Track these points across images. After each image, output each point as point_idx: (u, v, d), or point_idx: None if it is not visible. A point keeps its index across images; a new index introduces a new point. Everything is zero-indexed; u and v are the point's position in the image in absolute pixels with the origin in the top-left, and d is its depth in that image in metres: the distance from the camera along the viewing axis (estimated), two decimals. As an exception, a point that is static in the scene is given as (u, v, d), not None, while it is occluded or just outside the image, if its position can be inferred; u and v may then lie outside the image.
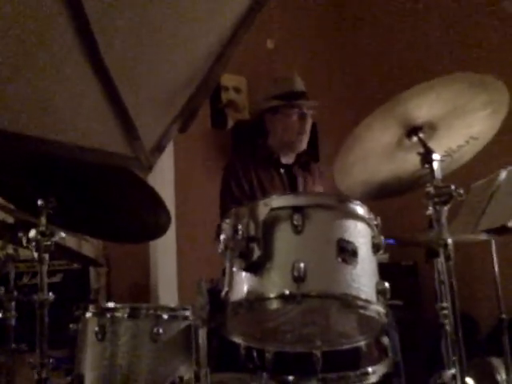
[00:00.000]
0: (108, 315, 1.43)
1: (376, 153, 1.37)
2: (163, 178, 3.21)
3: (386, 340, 1.46)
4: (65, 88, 0.55)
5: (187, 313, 1.42)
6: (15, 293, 1.75)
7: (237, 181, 2.03)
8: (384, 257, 1.25)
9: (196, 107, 0.60)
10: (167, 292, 2.91)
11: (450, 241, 1.16)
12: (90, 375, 1.41)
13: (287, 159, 2.16)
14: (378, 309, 1.12)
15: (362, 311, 1.10)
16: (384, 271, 1.20)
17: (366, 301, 1.10)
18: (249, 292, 1.09)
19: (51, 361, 1.29)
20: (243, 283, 1.10)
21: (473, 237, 1.98)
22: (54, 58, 0.53)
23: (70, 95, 0.56)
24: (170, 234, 2.84)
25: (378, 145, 1.36)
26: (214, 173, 3.03)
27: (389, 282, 1.16)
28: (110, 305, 1.52)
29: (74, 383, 1.44)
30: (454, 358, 1.17)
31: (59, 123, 0.57)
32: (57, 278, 2.51)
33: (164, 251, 3.13)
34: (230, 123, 3.40)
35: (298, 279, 1.06)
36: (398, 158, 1.37)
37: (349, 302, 1.08)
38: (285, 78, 2.28)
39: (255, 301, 1.08)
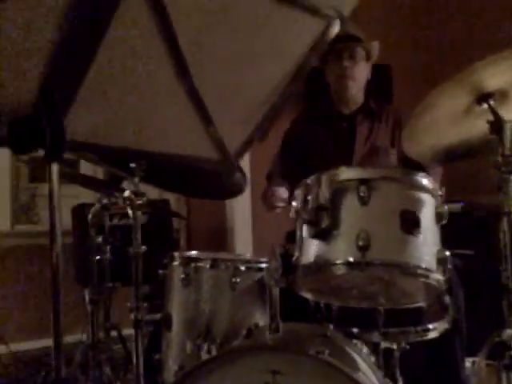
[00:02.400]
0: (192, 265, 1.64)
1: (445, 119, 1.42)
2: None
3: (447, 298, 1.58)
4: (165, 109, 0.70)
5: (262, 265, 1.60)
6: (110, 239, 2.03)
7: (290, 153, 2.16)
8: (457, 207, 1.34)
9: (272, 120, 0.72)
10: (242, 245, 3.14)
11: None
12: (176, 316, 1.64)
13: (349, 109, 2.19)
14: (437, 277, 1.23)
15: (422, 279, 1.22)
16: (456, 221, 1.29)
17: (426, 269, 1.21)
18: (317, 257, 1.24)
19: (145, 305, 1.53)
20: (312, 249, 1.25)
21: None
22: (157, 87, 0.68)
23: (169, 114, 0.71)
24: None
25: (448, 111, 1.40)
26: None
27: (460, 232, 1.25)
28: (194, 254, 1.74)
29: (163, 320, 1.68)
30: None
31: (162, 138, 0.72)
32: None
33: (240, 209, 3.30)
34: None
35: (363, 248, 1.19)
36: (466, 124, 1.41)
37: (410, 271, 1.20)
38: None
39: (323, 266, 1.23)
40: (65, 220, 2.70)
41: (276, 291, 1.29)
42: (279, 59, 0.66)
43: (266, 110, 0.70)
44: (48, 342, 2.74)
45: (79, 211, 2.65)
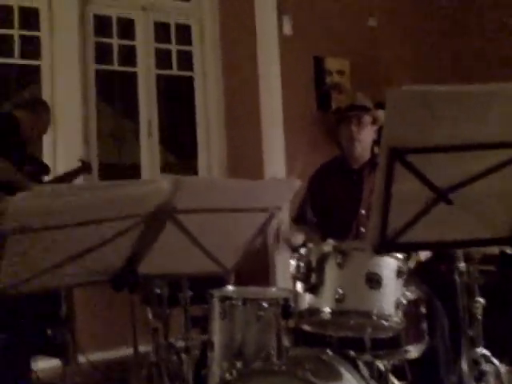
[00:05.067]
0: (227, 302, 2.27)
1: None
2: (277, 159, 3.97)
3: (424, 325, 2.13)
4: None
5: (281, 301, 2.21)
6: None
7: (313, 196, 2.73)
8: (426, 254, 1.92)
9: (248, 254, 1.34)
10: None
11: None
12: (217, 341, 2.28)
13: (358, 164, 2.74)
14: (395, 319, 1.81)
15: (383, 322, 1.80)
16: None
17: (387, 315, 1.79)
18: (309, 305, 1.84)
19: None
20: (305, 300, 1.86)
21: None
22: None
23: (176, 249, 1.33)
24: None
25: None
26: (320, 149, 3.74)
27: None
28: (229, 293, 2.37)
29: (208, 344, 2.33)
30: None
31: (181, 264, 1.35)
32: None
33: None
34: (334, 105, 3.99)
35: (339, 300, 1.78)
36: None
37: (373, 317, 1.78)
38: (349, 97, 2.84)
39: (313, 312, 1.83)
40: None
41: (283, 324, 1.90)
42: (247, 227, 1.27)
43: (245, 247, 1.31)
44: (120, 353, 3.49)
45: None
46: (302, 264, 1.86)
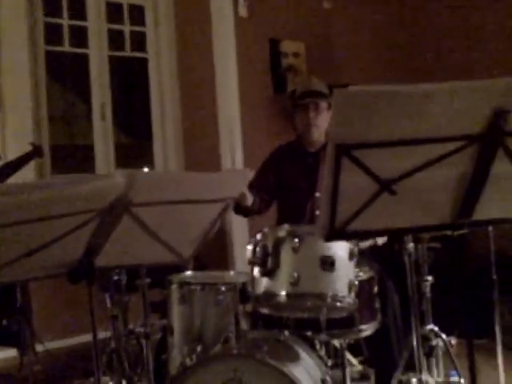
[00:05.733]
0: (186, 288, 2.32)
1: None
2: (233, 141, 4.01)
3: (377, 303, 2.24)
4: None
5: (239, 286, 2.28)
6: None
7: (266, 172, 2.77)
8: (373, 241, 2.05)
9: (205, 242, 1.38)
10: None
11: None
12: (176, 326, 2.33)
13: (314, 148, 2.80)
14: (348, 300, 1.90)
15: (337, 304, 1.89)
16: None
17: (341, 296, 1.88)
18: (265, 289, 1.91)
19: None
20: (262, 284, 1.92)
21: None
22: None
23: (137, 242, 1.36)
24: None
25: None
26: (276, 132, 3.80)
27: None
28: (187, 278, 2.42)
29: (167, 329, 2.38)
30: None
31: (139, 255, 1.39)
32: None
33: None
34: (290, 87, 4.04)
35: (294, 284, 1.85)
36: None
37: (326, 299, 1.87)
38: (304, 81, 2.88)
39: (269, 296, 1.90)
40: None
41: (241, 308, 1.97)
42: (202, 218, 1.32)
43: (201, 236, 1.35)
44: (79, 340, 3.50)
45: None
46: (258, 249, 1.92)
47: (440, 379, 2.31)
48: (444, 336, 2.30)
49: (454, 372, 2.41)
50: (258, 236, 1.96)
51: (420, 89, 0.91)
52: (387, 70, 4.12)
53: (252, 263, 1.95)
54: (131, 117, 4.47)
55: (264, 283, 1.93)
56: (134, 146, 4.55)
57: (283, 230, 1.94)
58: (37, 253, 1.13)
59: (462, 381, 2.24)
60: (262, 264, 1.92)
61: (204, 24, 3.96)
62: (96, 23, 3.96)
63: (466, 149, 1.00)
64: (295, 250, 1.89)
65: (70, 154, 4.24)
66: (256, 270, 1.94)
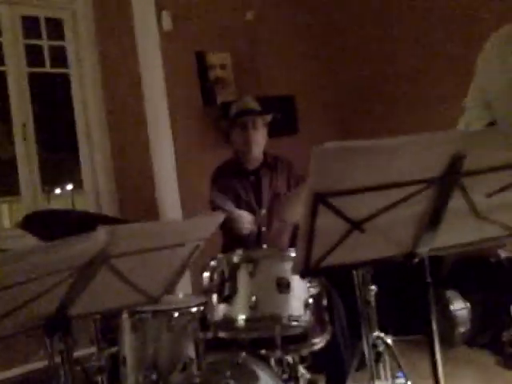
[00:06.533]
0: (137, 316, 2.33)
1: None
2: (164, 154, 4.01)
3: (326, 316, 2.36)
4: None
5: (192, 310, 2.31)
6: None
7: (220, 191, 2.83)
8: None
9: (175, 283, 1.42)
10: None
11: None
12: (129, 355, 2.34)
13: (253, 165, 2.90)
14: (304, 319, 2.00)
15: (294, 323, 1.98)
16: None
17: (297, 316, 1.98)
18: (224, 315, 1.97)
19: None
20: (220, 309, 1.98)
21: None
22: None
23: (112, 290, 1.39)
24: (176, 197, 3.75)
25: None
26: (209, 144, 3.85)
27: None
28: (138, 308, 2.42)
29: (120, 359, 2.37)
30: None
31: (111, 301, 1.41)
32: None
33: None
34: (220, 99, 4.11)
35: (253, 307, 1.93)
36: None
37: (282, 319, 1.96)
38: (238, 100, 2.98)
39: (229, 321, 1.96)
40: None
41: (202, 335, 2.01)
42: (175, 260, 1.36)
43: (173, 277, 1.40)
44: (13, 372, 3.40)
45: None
46: (216, 275, 1.98)
47: (388, 383, 2.47)
48: (389, 341, 2.46)
49: (400, 373, 2.59)
50: (213, 262, 2.02)
51: (387, 144, 1.02)
52: (312, 78, 4.29)
53: (209, 291, 2.00)
54: (55, 133, 4.36)
55: (222, 309, 1.99)
56: (61, 163, 4.44)
57: (238, 256, 2.01)
58: (14, 312, 1.13)
59: (409, 382, 2.41)
60: (220, 290, 1.98)
61: (127, 38, 3.94)
62: (12, 39, 3.83)
63: (428, 189, 1.12)
64: (251, 274, 1.97)
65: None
66: (214, 297, 2.00)
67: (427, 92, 3.80)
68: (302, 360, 2.69)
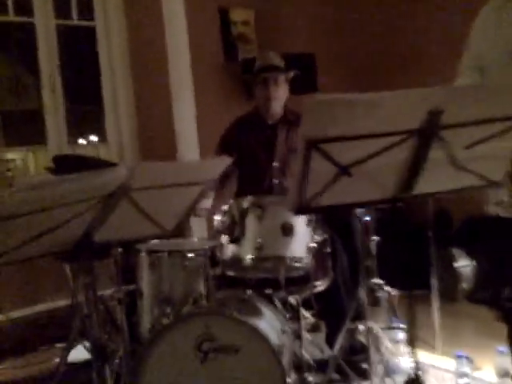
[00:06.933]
0: (154, 255, 2.55)
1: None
2: (186, 107, 4.18)
3: (329, 262, 2.56)
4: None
5: (204, 251, 2.53)
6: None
7: (230, 144, 3.01)
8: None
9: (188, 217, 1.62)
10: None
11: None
12: (146, 290, 2.57)
13: (272, 120, 3.06)
14: (305, 261, 2.19)
15: (296, 264, 2.18)
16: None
17: (299, 258, 2.17)
18: (233, 254, 2.18)
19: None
20: (229, 250, 2.19)
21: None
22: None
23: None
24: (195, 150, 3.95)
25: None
26: (229, 99, 4.01)
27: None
28: (156, 246, 2.64)
29: (137, 293, 2.61)
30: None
31: (130, 231, 1.62)
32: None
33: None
34: (241, 55, 4.23)
35: (258, 249, 2.13)
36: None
37: (286, 260, 2.15)
38: (262, 55, 3.11)
39: (236, 260, 2.17)
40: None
41: (211, 272, 2.23)
42: (186, 198, 1.55)
43: (182, 216, 1.59)
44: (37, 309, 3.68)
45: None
46: (226, 218, 2.18)
47: (383, 325, 2.68)
48: (387, 288, 2.66)
49: (395, 319, 2.79)
50: (224, 207, 2.21)
51: (369, 97, 1.18)
52: (332, 38, 4.38)
53: (220, 232, 2.21)
54: (81, 86, 4.54)
55: (231, 249, 2.20)
56: (86, 115, 4.64)
57: (248, 202, 2.20)
58: (45, 235, 1.34)
59: (402, 325, 2.61)
60: (230, 232, 2.18)
61: (153, -7, 4.06)
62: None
63: (408, 140, 1.28)
64: (259, 218, 2.16)
65: (20, 122, 4.29)
66: (224, 238, 2.21)
67: (444, 51, 3.86)
68: (308, 306, 2.91)
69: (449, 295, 3.90)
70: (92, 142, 4.54)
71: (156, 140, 4.09)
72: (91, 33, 4.25)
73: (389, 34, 4.23)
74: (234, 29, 4.19)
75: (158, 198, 1.44)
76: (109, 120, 4.30)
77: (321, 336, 3.05)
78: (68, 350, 2.70)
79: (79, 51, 4.51)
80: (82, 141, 4.61)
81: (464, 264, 3.86)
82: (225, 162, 1.53)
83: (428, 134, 1.27)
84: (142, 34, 4.12)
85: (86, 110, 4.76)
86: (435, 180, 1.42)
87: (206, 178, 1.50)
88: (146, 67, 4.14)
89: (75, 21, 4.22)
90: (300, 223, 2.21)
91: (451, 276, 3.88)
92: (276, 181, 2.78)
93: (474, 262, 3.80)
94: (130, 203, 1.41)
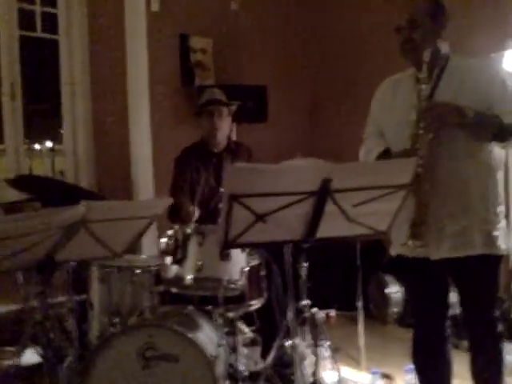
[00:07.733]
0: (105, 269, 2.96)
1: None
2: (141, 129, 4.59)
3: (264, 283, 3.01)
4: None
5: (150, 268, 2.96)
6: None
7: (180, 175, 3.45)
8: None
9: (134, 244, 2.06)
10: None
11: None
12: (96, 302, 2.98)
13: (218, 149, 3.52)
14: (240, 283, 2.66)
15: (232, 286, 2.63)
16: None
17: (235, 280, 2.63)
18: (175, 274, 2.62)
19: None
20: (172, 270, 2.63)
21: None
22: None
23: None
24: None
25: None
26: (183, 122, 4.44)
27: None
28: (107, 263, 3.05)
29: (88, 305, 3.01)
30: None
31: (84, 252, 2.05)
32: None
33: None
34: (198, 81, 4.68)
35: (198, 270, 2.58)
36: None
37: (223, 282, 2.61)
38: (208, 91, 3.59)
39: (179, 279, 2.61)
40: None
41: (155, 288, 2.67)
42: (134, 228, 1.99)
43: (133, 240, 2.02)
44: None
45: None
46: (171, 242, 2.63)
47: (309, 343, 3.15)
48: (314, 309, 3.13)
49: (323, 336, 3.26)
50: (170, 232, 2.66)
51: (274, 168, 1.66)
52: (285, 71, 4.89)
53: (165, 253, 2.65)
54: (41, 96, 4.87)
55: (174, 269, 2.64)
56: (44, 123, 4.96)
57: (190, 228, 2.65)
58: (13, 256, 1.76)
59: (328, 343, 3.07)
60: (174, 254, 2.63)
61: (116, 14, 4.45)
62: (6, 2, 4.30)
63: (308, 199, 1.76)
64: (200, 244, 2.61)
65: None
66: (168, 258, 2.65)
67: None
68: (250, 322, 3.36)
69: (381, 318, 4.43)
70: (48, 149, 4.86)
71: (111, 154, 4.48)
72: (55, 46, 4.60)
73: (335, 64, 4.77)
74: (192, 55, 4.62)
75: (111, 228, 1.88)
76: (66, 131, 4.65)
77: (257, 350, 3.49)
78: (19, 353, 3.07)
79: (41, 63, 4.85)
80: (38, 146, 4.91)
81: (394, 290, 4.39)
82: (167, 201, 1.98)
83: (322, 195, 1.74)
84: (103, 53, 4.50)
85: (44, 119, 5.09)
86: (333, 228, 1.89)
87: (151, 214, 1.94)
88: (105, 83, 4.50)
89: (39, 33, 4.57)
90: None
91: (383, 301, 4.40)
92: (221, 205, 3.22)
93: (403, 289, 4.32)
94: (87, 232, 1.84)
